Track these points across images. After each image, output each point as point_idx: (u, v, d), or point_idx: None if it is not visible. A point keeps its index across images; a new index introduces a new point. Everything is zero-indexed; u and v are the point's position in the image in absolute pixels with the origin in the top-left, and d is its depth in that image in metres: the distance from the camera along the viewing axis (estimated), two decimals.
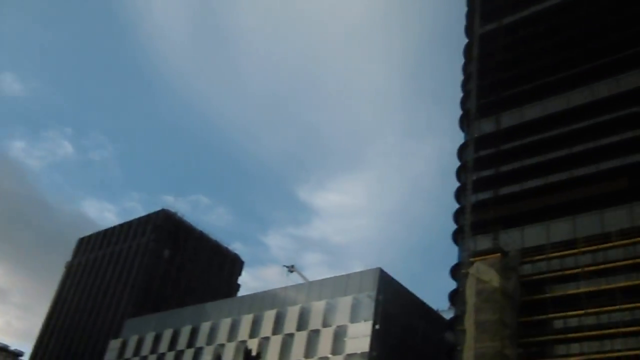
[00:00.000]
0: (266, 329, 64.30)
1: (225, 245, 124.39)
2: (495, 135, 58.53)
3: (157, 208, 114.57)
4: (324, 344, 57.74)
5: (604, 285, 45.94)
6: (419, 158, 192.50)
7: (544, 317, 47.42)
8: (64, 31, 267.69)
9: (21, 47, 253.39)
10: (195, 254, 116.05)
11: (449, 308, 56.34)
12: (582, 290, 46.53)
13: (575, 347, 45.46)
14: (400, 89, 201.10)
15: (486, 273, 49.42)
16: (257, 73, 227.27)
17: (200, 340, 70.77)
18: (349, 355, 55.36)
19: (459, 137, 63.18)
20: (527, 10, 63.18)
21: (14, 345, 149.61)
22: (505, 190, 55.81)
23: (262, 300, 68.12)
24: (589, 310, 45.26)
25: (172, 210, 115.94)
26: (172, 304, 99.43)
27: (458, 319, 51.74)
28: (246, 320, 66.89)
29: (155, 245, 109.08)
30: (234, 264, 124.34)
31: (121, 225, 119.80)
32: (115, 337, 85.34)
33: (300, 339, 60.31)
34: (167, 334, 74.88)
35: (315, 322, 60.33)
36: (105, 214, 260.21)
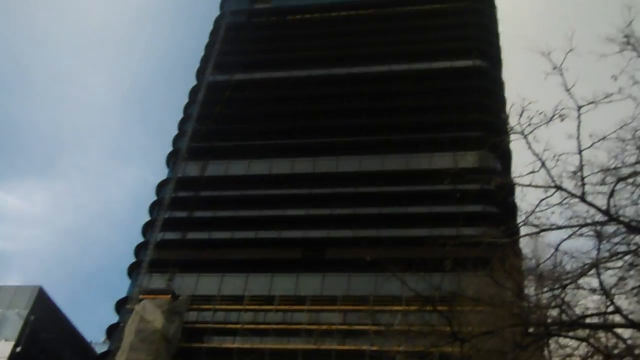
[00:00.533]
0: None
1: None
2: (198, 180, 59.28)
3: None
4: None
5: (256, 344, 48.27)
6: (118, 183, 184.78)
7: None
8: None
9: None
10: None
11: (104, 341, 53.35)
12: (236, 345, 48.17)
13: None
14: (120, 107, 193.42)
15: (151, 313, 48.26)
16: None
17: None
18: None
19: (163, 173, 62.56)
20: (258, 74, 67.08)
21: None
22: (192, 236, 56.41)
23: None
24: None
25: None
26: None
27: (110, 354, 49.17)
28: None
29: None
30: None
31: None
32: None
33: None
34: None
35: None
36: None
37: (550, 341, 15.89)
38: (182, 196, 58.81)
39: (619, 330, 14.64)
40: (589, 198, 14.15)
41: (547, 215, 14.45)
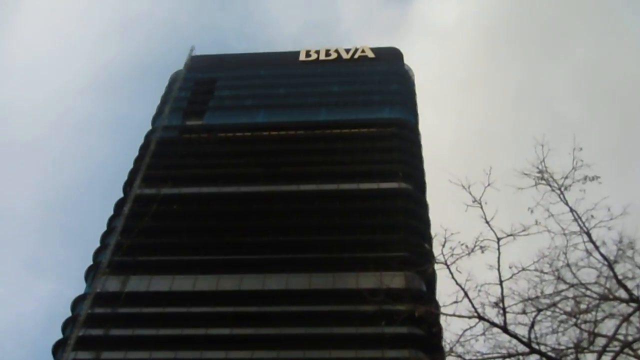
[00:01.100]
0: None
1: None
2: (117, 296, 56.73)
3: None
4: None
5: None
6: (31, 296, 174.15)
7: None
8: None
9: None
10: None
11: None
12: None
13: None
14: (40, 217, 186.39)
15: None
16: None
17: None
18: None
19: (81, 288, 59.69)
20: (187, 189, 66.92)
21: None
22: (107, 356, 53.03)
23: None
24: None
25: None
26: None
27: None
28: None
29: None
30: None
31: None
32: None
33: None
34: None
35: None
36: None
37: None
38: (99, 313, 55.90)
39: None
40: (512, 327, 14.42)
41: (472, 343, 14.56)
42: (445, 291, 15.53)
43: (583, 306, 14.47)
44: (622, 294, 14.15)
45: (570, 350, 14.16)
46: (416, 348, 45.63)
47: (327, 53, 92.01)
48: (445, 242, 14.64)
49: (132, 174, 70.68)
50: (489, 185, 15.46)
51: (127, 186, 69.70)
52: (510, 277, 14.64)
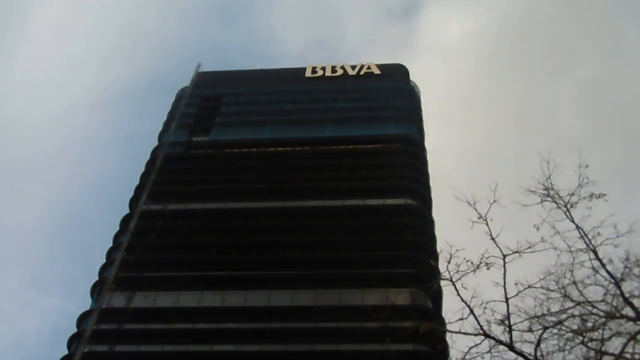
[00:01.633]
0: None
1: None
2: (123, 312, 56.67)
3: None
4: None
5: None
6: (36, 312, 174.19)
7: None
8: None
9: None
10: None
11: None
12: None
13: None
14: (48, 234, 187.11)
15: None
16: None
17: None
18: None
19: (87, 304, 59.65)
20: (193, 205, 67.01)
21: None
22: None
23: None
24: None
25: None
26: None
27: None
28: None
29: None
30: None
31: None
32: None
33: None
34: None
35: None
36: None
37: None
38: (104, 329, 55.79)
39: None
40: (517, 345, 14.35)
41: None
42: (451, 308, 15.47)
43: (590, 324, 14.41)
44: (629, 312, 14.08)
45: None
46: None
47: (333, 69, 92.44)
48: (450, 258, 14.66)
49: (138, 190, 70.91)
50: (494, 202, 15.49)
51: (133, 202, 69.89)
52: (516, 295, 14.62)
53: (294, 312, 55.24)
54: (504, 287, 14.60)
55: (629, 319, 14.01)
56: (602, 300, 14.47)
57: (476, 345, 14.34)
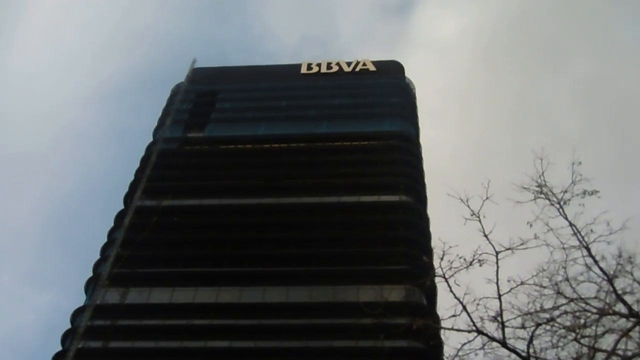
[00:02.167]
0: None
1: None
2: (117, 308, 56.61)
3: None
4: None
5: None
6: (30, 308, 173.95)
7: None
8: None
9: None
10: None
11: None
12: None
13: None
14: (41, 230, 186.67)
15: None
16: None
17: None
18: None
19: (81, 300, 59.61)
20: (188, 201, 66.96)
21: None
22: None
23: None
24: None
25: None
26: None
27: None
28: None
29: None
30: None
31: None
32: None
33: None
34: None
35: None
36: None
37: None
38: (98, 325, 55.72)
39: None
40: (510, 342, 14.36)
41: (471, 357, 14.51)
42: (445, 305, 15.49)
43: (582, 321, 14.42)
44: (622, 308, 14.11)
45: None
46: None
47: (329, 66, 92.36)
48: (443, 255, 14.65)
49: (133, 186, 70.76)
50: (487, 198, 15.48)
51: (128, 198, 69.76)
52: (509, 291, 14.63)
53: (289, 308, 55.27)
54: (497, 283, 14.62)
55: (621, 315, 14.04)
56: (595, 297, 14.49)
57: (469, 341, 14.35)
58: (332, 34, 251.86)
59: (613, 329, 14.18)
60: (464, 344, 14.29)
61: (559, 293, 14.61)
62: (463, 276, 14.64)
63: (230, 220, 64.94)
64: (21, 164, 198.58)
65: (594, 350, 14.12)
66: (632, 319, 13.84)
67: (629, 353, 13.58)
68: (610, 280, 14.31)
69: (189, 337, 53.98)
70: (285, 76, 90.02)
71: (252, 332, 53.72)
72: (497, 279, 14.65)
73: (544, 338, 14.57)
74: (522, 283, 14.65)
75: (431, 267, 15.86)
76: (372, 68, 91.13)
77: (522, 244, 14.86)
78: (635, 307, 13.94)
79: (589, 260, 14.60)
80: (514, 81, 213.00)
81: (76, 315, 57.98)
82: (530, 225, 15.10)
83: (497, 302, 14.46)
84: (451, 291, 14.52)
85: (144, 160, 74.62)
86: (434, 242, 15.19)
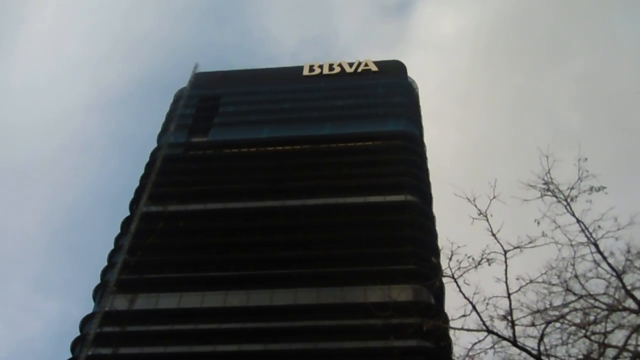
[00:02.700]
0: None
1: None
2: (125, 314, 56.71)
3: None
4: None
5: None
6: (39, 316, 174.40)
7: None
8: None
9: None
10: None
11: None
12: None
13: None
14: (49, 238, 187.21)
15: None
16: None
17: None
18: None
19: (89, 307, 59.77)
20: (193, 206, 67.05)
21: None
22: None
23: None
24: None
25: None
26: None
27: None
28: None
29: None
30: None
31: None
32: None
33: None
34: None
35: None
36: None
37: None
38: (107, 331, 55.82)
39: None
40: (520, 340, 14.36)
41: (482, 357, 14.51)
42: (453, 304, 15.49)
43: (592, 317, 14.40)
44: (631, 304, 14.09)
45: None
46: None
47: (331, 67, 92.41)
48: (452, 255, 14.65)
49: (138, 192, 70.91)
50: (494, 197, 15.47)
51: (134, 204, 69.93)
52: (518, 290, 14.62)
53: (297, 310, 55.30)
54: (506, 282, 14.62)
55: (631, 311, 14.01)
56: (604, 293, 14.47)
57: (479, 341, 14.36)
58: (331, 35, 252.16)
59: (623, 325, 14.15)
60: (475, 343, 14.29)
61: (568, 290, 14.61)
62: (472, 276, 14.66)
63: (236, 224, 65.01)
64: (27, 174, 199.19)
65: (604, 346, 14.11)
66: None
67: None
68: (619, 276, 14.29)
69: (197, 342, 54.04)
70: (287, 78, 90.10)
71: (260, 335, 53.74)
72: (506, 278, 14.66)
73: (554, 335, 14.57)
74: (531, 281, 14.65)
75: (439, 267, 15.85)
76: (374, 68, 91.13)
77: (530, 242, 14.86)
78: None
79: (598, 257, 14.61)
80: (513, 78, 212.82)
81: (85, 322, 58.12)
82: (538, 223, 15.09)
83: (506, 301, 14.48)
84: (460, 291, 14.53)
85: (149, 166, 74.78)
86: (441, 242, 15.17)
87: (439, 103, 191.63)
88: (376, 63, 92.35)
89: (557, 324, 14.54)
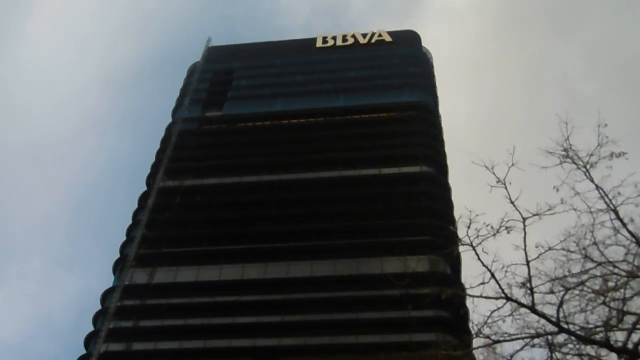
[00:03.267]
0: None
1: None
2: (145, 288, 57.49)
3: None
4: None
5: None
6: (61, 291, 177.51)
7: None
8: None
9: None
10: None
11: None
12: None
13: None
14: (68, 214, 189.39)
15: None
16: None
17: None
18: None
19: (109, 281, 60.60)
20: (209, 180, 67.35)
21: None
22: (138, 346, 53.85)
23: None
24: None
25: None
26: None
27: None
28: None
29: None
30: None
31: None
32: None
33: None
34: None
35: None
36: None
37: None
38: (128, 305, 56.72)
39: None
40: (539, 307, 14.35)
41: (500, 324, 14.53)
42: (470, 273, 15.47)
43: (611, 284, 14.33)
44: None
45: (599, 329, 14.06)
46: (443, 331, 45.67)
47: (344, 39, 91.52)
48: (470, 223, 14.58)
49: (155, 167, 71.31)
50: (512, 165, 15.33)
51: (150, 179, 70.36)
52: (537, 257, 14.56)
53: (313, 282, 55.69)
54: (525, 250, 14.55)
55: None
56: (624, 260, 14.36)
57: (498, 308, 14.38)
58: (343, 6, 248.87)
59: None
60: (493, 311, 14.32)
61: (587, 257, 14.52)
62: (490, 244, 14.60)
63: (251, 198, 65.26)
64: (45, 154, 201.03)
65: (623, 313, 14.07)
66: None
67: None
68: (638, 242, 14.17)
69: (216, 314, 54.70)
70: (300, 51, 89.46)
71: (278, 307, 54.28)
72: (525, 246, 14.59)
73: (573, 302, 14.54)
74: (550, 249, 14.57)
75: (456, 237, 15.81)
76: (388, 39, 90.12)
77: (549, 210, 14.74)
78: None
79: (617, 223, 14.47)
80: (526, 48, 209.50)
81: (106, 296, 59.04)
82: (557, 190, 14.93)
83: (525, 268, 14.43)
84: (479, 259, 14.50)
85: (164, 141, 75.04)
86: (460, 211, 15.06)
87: (450, 72, 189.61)
88: (390, 33, 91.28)
89: (576, 291, 14.49)
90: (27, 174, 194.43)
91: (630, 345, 13.44)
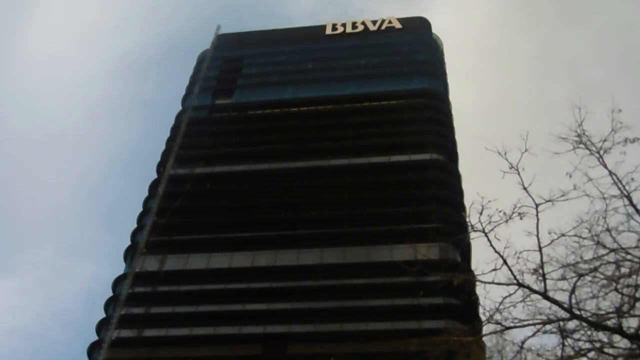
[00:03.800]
0: None
1: None
2: (156, 275, 57.88)
3: None
4: None
5: None
6: (73, 279, 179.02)
7: None
8: None
9: None
10: None
11: None
12: None
13: None
14: (79, 202, 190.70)
15: None
16: None
17: None
18: None
19: (121, 269, 61.09)
20: (219, 167, 67.51)
21: None
22: (149, 333, 54.35)
23: None
24: None
25: None
26: None
27: None
28: None
29: None
30: None
31: None
32: None
33: None
34: None
35: None
36: None
37: None
38: (139, 292, 57.16)
39: None
40: (551, 294, 14.32)
41: (511, 310, 14.52)
42: (480, 261, 15.48)
43: (624, 270, 14.26)
44: None
45: (611, 315, 14.02)
46: (453, 318, 45.71)
47: (354, 26, 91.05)
48: (482, 209, 14.55)
49: (165, 155, 71.51)
50: (526, 150, 15.25)
51: (161, 167, 70.59)
52: (550, 244, 14.50)
53: (323, 270, 55.84)
54: (537, 236, 14.49)
55: None
56: (636, 247, 14.26)
57: (510, 295, 14.37)
58: None
59: None
60: (505, 297, 14.30)
61: (600, 244, 14.45)
62: (502, 230, 14.57)
63: (261, 185, 65.40)
64: (56, 144, 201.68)
65: (635, 299, 14.01)
66: None
67: None
68: None
69: (227, 301, 55.03)
70: (310, 38, 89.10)
71: (288, 294, 54.50)
72: (538, 232, 14.53)
73: (585, 289, 14.50)
74: (562, 235, 14.50)
75: (465, 224, 15.77)
76: (397, 25, 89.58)
77: (562, 196, 14.66)
78: None
79: (630, 210, 14.37)
80: (534, 34, 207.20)
81: (117, 283, 59.45)
82: (570, 176, 14.84)
83: (537, 255, 14.39)
84: (491, 245, 14.47)
85: (174, 129, 75.19)
86: (470, 199, 14.99)
87: (459, 59, 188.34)
88: (400, 20, 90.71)
89: (588, 278, 14.44)
90: (38, 164, 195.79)
91: None
